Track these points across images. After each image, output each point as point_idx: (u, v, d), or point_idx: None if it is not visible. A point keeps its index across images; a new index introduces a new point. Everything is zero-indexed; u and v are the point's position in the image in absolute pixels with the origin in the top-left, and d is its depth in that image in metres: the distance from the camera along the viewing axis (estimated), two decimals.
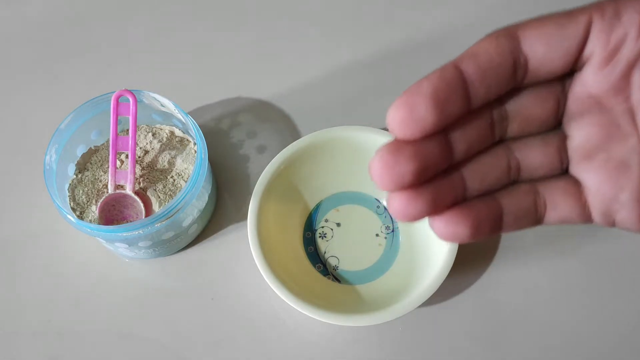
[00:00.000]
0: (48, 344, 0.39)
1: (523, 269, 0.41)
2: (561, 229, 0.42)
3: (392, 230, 0.41)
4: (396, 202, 0.19)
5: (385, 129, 0.40)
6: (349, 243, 0.41)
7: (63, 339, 0.39)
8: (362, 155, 0.40)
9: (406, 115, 0.18)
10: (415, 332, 0.39)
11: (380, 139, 0.39)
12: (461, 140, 0.19)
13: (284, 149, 0.39)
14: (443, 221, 0.19)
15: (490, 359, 0.39)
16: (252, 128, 0.45)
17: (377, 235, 0.41)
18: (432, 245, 0.38)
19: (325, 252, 0.41)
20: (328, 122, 0.44)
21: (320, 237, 0.41)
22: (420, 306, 0.36)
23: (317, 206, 0.42)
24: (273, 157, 0.39)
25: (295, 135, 0.45)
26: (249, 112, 0.46)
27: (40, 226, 0.42)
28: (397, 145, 0.18)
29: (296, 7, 0.49)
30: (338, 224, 0.42)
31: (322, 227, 0.42)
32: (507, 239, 0.42)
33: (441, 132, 0.19)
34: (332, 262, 0.41)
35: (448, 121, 0.18)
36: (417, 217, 0.19)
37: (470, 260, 0.41)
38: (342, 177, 0.42)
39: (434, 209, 0.19)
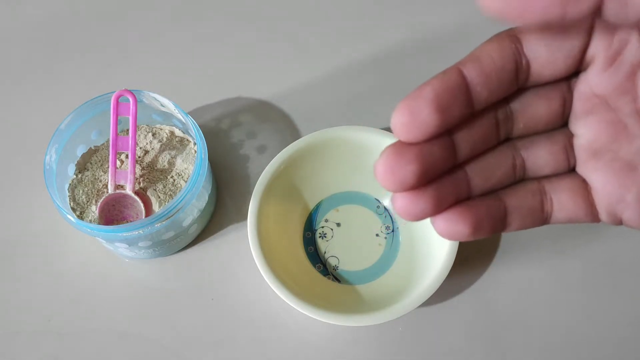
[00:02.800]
0: (48, 343, 0.39)
1: (523, 269, 0.41)
2: (561, 229, 0.42)
3: (392, 230, 0.41)
4: (400, 202, 0.19)
5: (386, 129, 0.40)
6: (349, 243, 0.41)
7: (63, 338, 0.39)
8: (362, 155, 0.40)
9: (408, 120, 0.18)
10: (415, 332, 0.39)
11: (381, 139, 0.39)
12: (465, 141, 0.19)
13: (284, 149, 0.39)
14: (443, 219, 0.19)
15: (490, 359, 0.39)
16: (252, 128, 0.45)
17: (377, 235, 0.41)
18: (432, 246, 0.38)
19: (325, 252, 0.41)
20: (328, 122, 0.44)
21: (320, 237, 0.41)
22: (420, 306, 0.36)
23: (317, 206, 0.42)
24: (273, 157, 0.39)
25: (295, 135, 0.45)
26: (249, 112, 0.46)
27: (40, 226, 0.42)
28: (400, 148, 0.18)
29: (296, 7, 0.49)
30: (338, 224, 0.42)
31: (322, 227, 0.42)
32: (507, 239, 0.42)
33: (445, 134, 0.19)
34: (332, 262, 0.41)
35: (451, 124, 0.19)
36: (421, 217, 0.19)
37: (470, 260, 0.41)
38: (342, 177, 0.42)
39: (438, 208, 0.19)
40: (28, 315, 0.40)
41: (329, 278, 0.40)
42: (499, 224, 0.20)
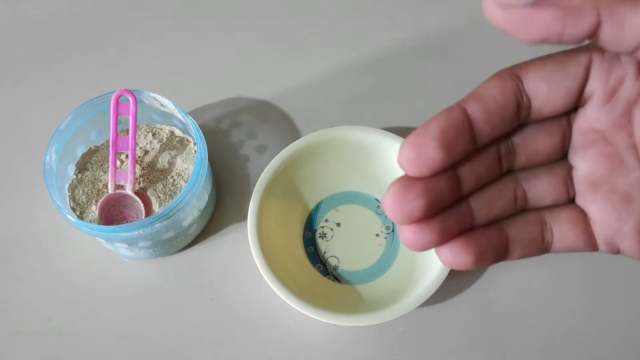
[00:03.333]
0: (48, 343, 0.39)
1: (523, 269, 0.41)
2: None
3: (392, 230, 0.41)
4: (406, 234, 0.20)
5: (386, 129, 0.40)
6: (349, 243, 0.41)
7: (63, 338, 0.39)
8: (362, 155, 0.40)
9: (415, 156, 0.19)
10: (415, 332, 0.39)
11: (381, 139, 0.39)
12: (469, 174, 0.20)
13: (284, 149, 0.39)
14: (448, 250, 0.20)
15: (490, 359, 0.39)
16: (252, 128, 0.45)
17: (377, 235, 0.41)
18: None
19: (325, 252, 0.41)
20: (328, 122, 0.44)
21: (320, 237, 0.41)
22: (420, 306, 0.36)
23: (317, 206, 0.42)
24: (273, 157, 0.39)
25: (295, 135, 0.45)
26: (249, 112, 0.46)
27: (40, 226, 0.42)
28: (408, 182, 0.19)
29: (296, 7, 0.49)
30: (338, 224, 0.42)
31: (322, 227, 0.42)
32: None
33: (449, 168, 0.20)
34: (332, 262, 0.41)
35: (455, 159, 0.19)
36: (427, 247, 0.20)
37: None
38: (342, 177, 0.42)
39: (443, 239, 0.20)
40: (28, 315, 0.40)
41: (329, 278, 0.40)
42: (501, 253, 0.21)
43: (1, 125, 0.46)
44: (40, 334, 0.40)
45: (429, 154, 0.19)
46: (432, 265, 0.37)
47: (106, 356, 0.39)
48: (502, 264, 0.41)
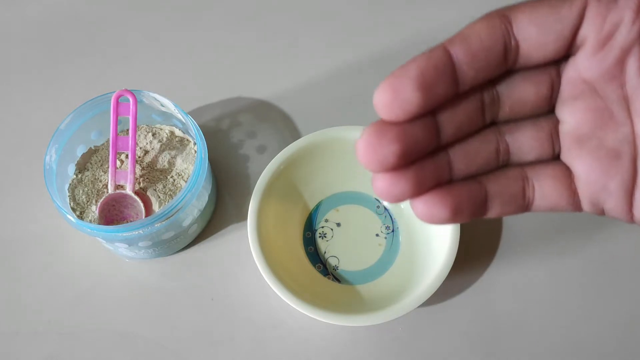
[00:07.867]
0: (48, 344, 0.39)
1: (523, 269, 0.41)
2: (560, 229, 0.42)
3: (392, 230, 0.41)
4: (380, 183, 0.18)
5: None
6: (349, 243, 0.41)
7: (63, 339, 0.39)
8: None
9: (391, 98, 0.17)
10: (415, 332, 0.39)
11: None
12: (449, 122, 0.19)
13: (284, 149, 0.39)
14: (422, 202, 0.19)
15: (489, 358, 0.39)
16: (252, 128, 0.45)
17: (377, 235, 0.41)
18: (432, 246, 0.38)
19: (325, 252, 0.41)
20: (328, 122, 0.44)
21: (320, 237, 0.41)
22: (420, 306, 0.36)
23: (317, 206, 0.42)
24: (273, 157, 0.39)
25: (295, 135, 0.45)
26: (249, 112, 0.46)
27: (40, 226, 0.42)
28: (382, 127, 0.18)
29: (296, 8, 0.49)
30: (338, 224, 0.42)
31: (322, 227, 0.42)
32: (507, 239, 0.42)
33: (428, 114, 0.18)
34: (332, 262, 0.41)
35: (434, 104, 0.18)
36: (401, 198, 0.19)
37: (470, 260, 0.41)
38: (342, 177, 0.42)
39: (418, 190, 0.19)
40: (28, 315, 0.40)
41: (329, 278, 0.40)
42: (479, 209, 0.20)
43: (1, 125, 0.46)
44: (40, 334, 0.40)
45: (406, 96, 0.17)
46: (432, 265, 0.37)
47: (106, 356, 0.39)
48: (502, 263, 0.41)
